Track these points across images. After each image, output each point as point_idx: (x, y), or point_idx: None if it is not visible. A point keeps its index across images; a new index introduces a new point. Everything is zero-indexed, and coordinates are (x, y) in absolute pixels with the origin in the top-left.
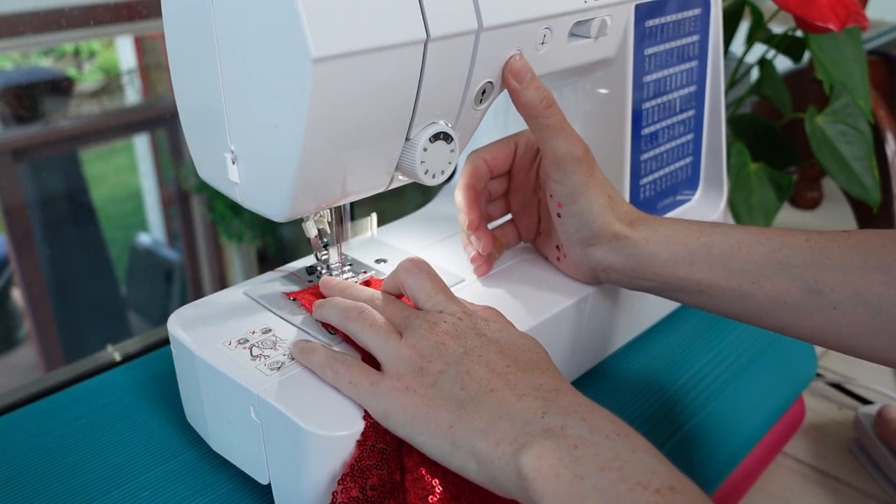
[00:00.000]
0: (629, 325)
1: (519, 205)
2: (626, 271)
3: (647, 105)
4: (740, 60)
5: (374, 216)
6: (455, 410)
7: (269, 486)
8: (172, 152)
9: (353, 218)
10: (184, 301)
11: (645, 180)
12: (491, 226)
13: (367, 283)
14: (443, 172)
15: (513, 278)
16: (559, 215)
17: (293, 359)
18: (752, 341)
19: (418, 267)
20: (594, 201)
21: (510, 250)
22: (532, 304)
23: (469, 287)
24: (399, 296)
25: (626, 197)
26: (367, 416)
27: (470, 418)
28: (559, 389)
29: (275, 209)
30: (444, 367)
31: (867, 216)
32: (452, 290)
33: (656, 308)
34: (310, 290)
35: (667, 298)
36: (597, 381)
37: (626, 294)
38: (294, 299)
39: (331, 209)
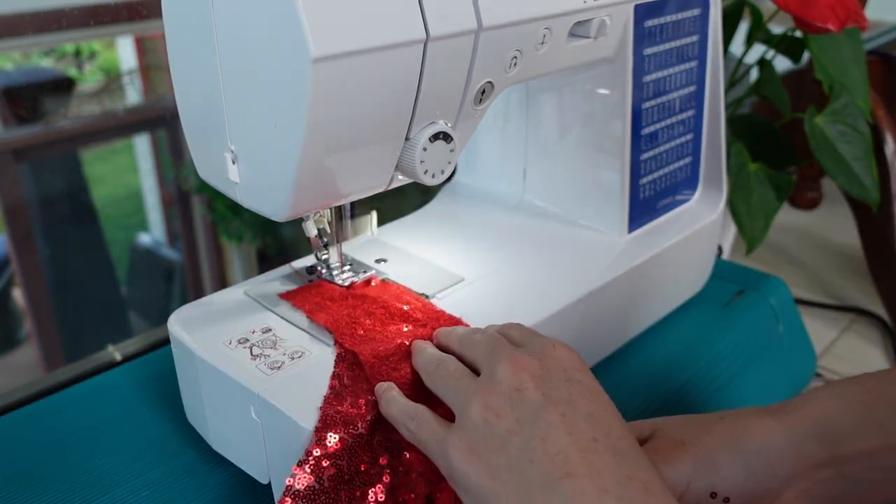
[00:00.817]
0: (628, 325)
1: None
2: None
3: (646, 105)
4: (740, 61)
5: (374, 214)
6: (521, 493)
7: (269, 486)
8: (173, 152)
9: (352, 217)
10: (184, 301)
11: (644, 180)
12: None
13: (367, 282)
14: (442, 172)
15: (512, 278)
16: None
17: (293, 359)
18: (751, 341)
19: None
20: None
21: (509, 248)
22: (531, 302)
23: (469, 287)
24: None
25: (626, 197)
26: (325, 401)
27: None
28: (650, 489)
29: (275, 209)
30: (514, 425)
31: (866, 216)
32: (451, 290)
33: (656, 308)
34: (303, 290)
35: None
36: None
37: (625, 295)
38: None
39: (330, 209)
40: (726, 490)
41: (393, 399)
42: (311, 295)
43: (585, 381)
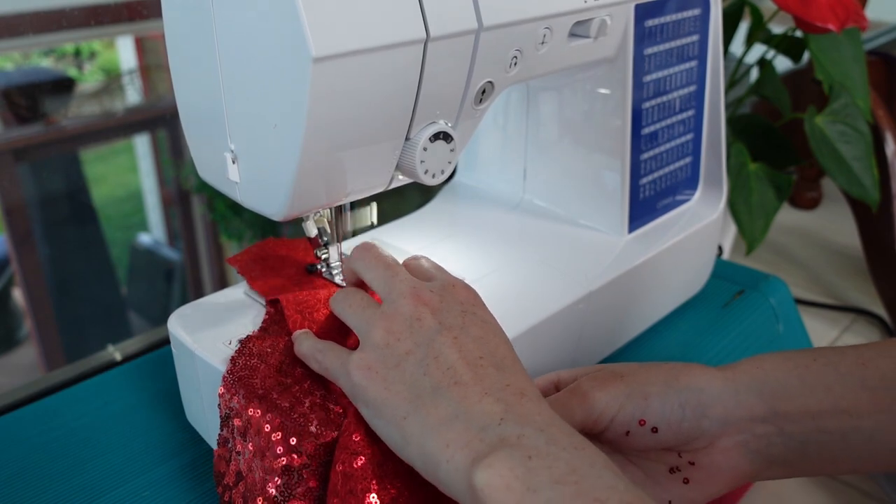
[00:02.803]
0: (628, 325)
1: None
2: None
3: (646, 105)
4: (740, 60)
5: (374, 205)
6: (412, 401)
7: None
8: (173, 152)
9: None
10: (184, 301)
11: (645, 180)
12: None
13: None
14: (442, 172)
15: (512, 278)
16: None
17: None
18: (751, 341)
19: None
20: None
21: (508, 248)
22: (530, 302)
23: None
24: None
25: (626, 197)
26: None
27: (426, 412)
28: (524, 393)
29: (275, 208)
30: (412, 347)
31: (866, 216)
32: None
33: (656, 308)
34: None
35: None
36: None
37: (625, 295)
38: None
39: (330, 208)
40: (656, 421)
41: (305, 337)
42: (263, 268)
43: (479, 314)
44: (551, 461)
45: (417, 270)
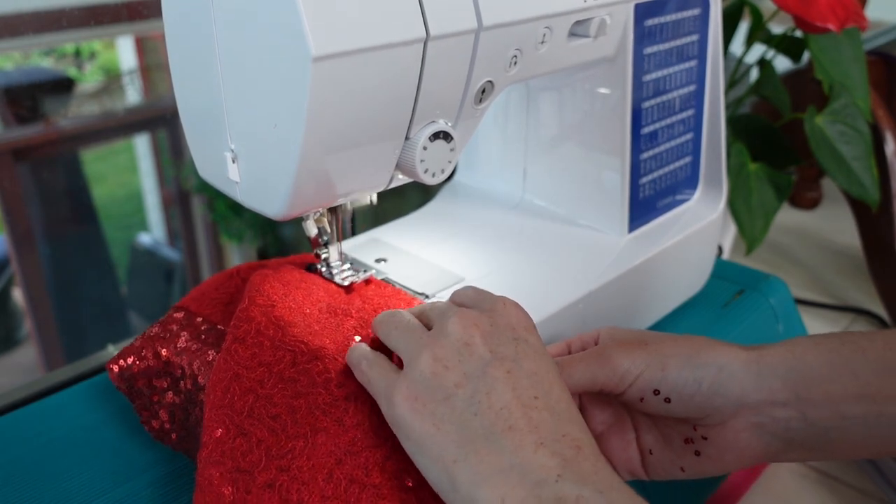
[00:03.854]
0: (628, 325)
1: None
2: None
3: (646, 104)
4: (740, 60)
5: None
6: (463, 444)
7: None
8: (173, 152)
9: (352, 218)
10: None
11: (644, 180)
12: None
13: (367, 281)
14: (442, 171)
15: (512, 278)
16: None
17: None
18: (752, 341)
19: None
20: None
21: (509, 249)
22: (530, 302)
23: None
24: None
25: (626, 197)
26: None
27: (478, 458)
28: (581, 446)
29: (275, 208)
30: (462, 378)
31: (866, 216)
32: (451, 290)
33: (656, 308)
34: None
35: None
36: None
37: (625, 295)
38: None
39: (330, 208)
40: (669, 392)
41: (358, 346)
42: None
43: (531, 341)
44: None
45: (464, 297)
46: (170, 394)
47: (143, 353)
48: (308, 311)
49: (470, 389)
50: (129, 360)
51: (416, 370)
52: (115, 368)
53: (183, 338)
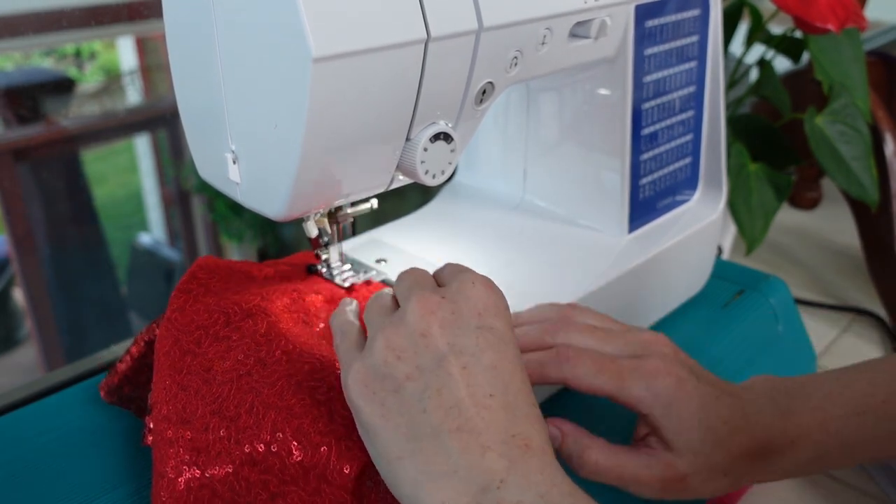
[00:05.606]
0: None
1: None
2: (769, 479)
3: (646, 105)
4: (739, 61)
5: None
6: (410, 440)
7: None
8: (173, 152)
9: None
10: None
11: (644, 180)
12: None
13: (367, 282)
14: (443, 172)
15: (512, 278)
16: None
17: None
18: (752, 341)
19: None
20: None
21: (509, 249)
22: (530, 303)
23: None
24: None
25: (626, 197)
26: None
27: (423, 458)
28: (530, 444)
29: (275, 209)
30: (413, 371)
31: (866, 216)
32: None
33: (656, 308)
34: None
35: None
36: None
37: (625, 295)
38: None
39: (331, 209)
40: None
41: (341, 312)
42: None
43: (497, 328)
44: None
45: (442, 273)
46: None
47: (121, 361)
48: (258, 284)
49: (421, 383)
50: (113, 374)
51: (370, 355)
52: (104, 388)
53: (151, 330)
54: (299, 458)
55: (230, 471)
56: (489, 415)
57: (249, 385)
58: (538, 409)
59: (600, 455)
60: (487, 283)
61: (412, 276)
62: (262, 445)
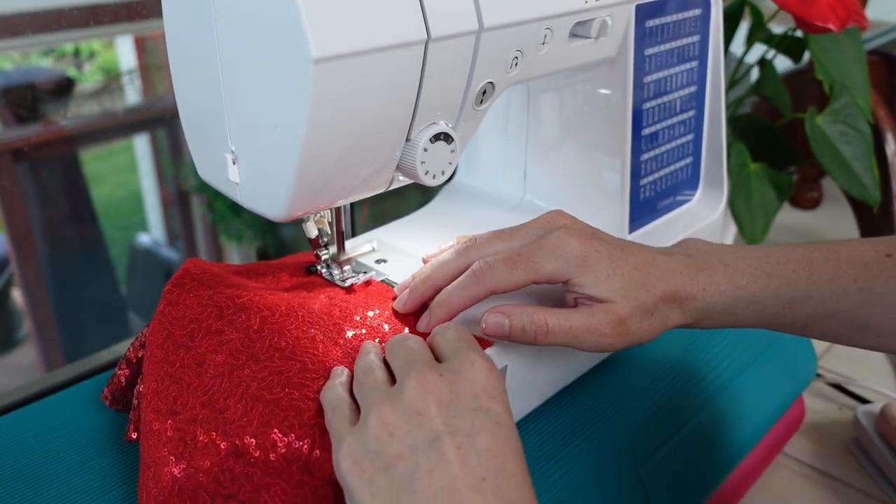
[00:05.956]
0: None
1: None
2: (688, 323)
3: (647, 105)
4: (740, 61)
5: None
6: None
7: None
8: (172, 152)
9: (353, 217)
10: None
11: (645, 180)
12: None
13: (367, 283)
14: (443, 173)
15: None
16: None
17: None
18: (752, 341)
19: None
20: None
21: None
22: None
23: None
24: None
25: (627, 197)
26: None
27: None
28: None
29: (275, 209)
30: (405, 450)
31: (867, 216)
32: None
33: None
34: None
35: None
36: (595, 384)
37: None
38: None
39: (331, 209)
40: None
41: (332, 387)
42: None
43: (494, 411)
44: None
45: (440, 344)
46: None
47: (119, 368)
48: (251, 282)
49: (412, 463)
50: (114, 382)
51: (363, 431)
52: (108, 396)
53: (144, 335)
54: (283, 451)
55: (216, 462)
56: (480, 498)
57: (240, 379)
58: (532, 494)
59: (548, 316)
60: (487, 364)
61: (408, 349)
62: (247, 438)
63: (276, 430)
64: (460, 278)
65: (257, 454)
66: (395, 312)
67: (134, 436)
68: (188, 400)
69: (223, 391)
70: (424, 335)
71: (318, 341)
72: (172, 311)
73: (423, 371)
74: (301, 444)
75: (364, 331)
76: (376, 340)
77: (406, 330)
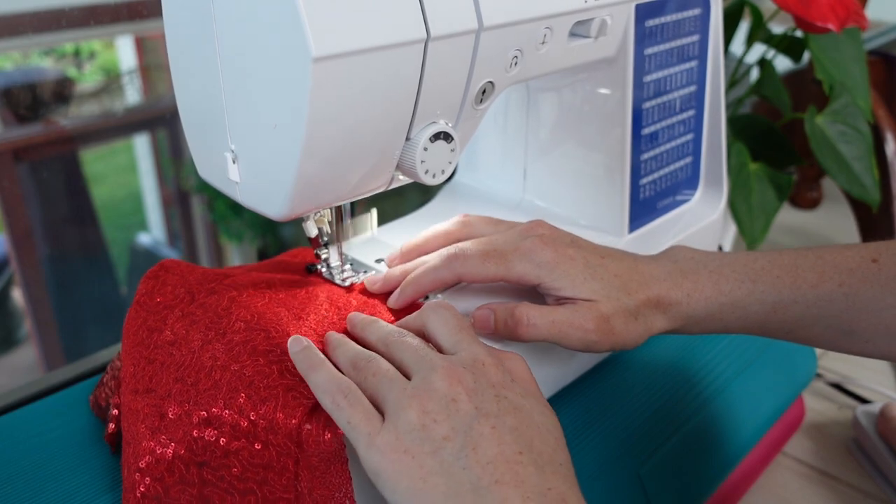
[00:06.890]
0: None
1: None
2: (673, 329)
3: (647, 105)
4: (740, 60)
5: (373, 212)
6: (451, 497)
7: None
8: (173, 152)
9: (353, 216)
10: None
11: (645, 180)
12: None
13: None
14: (443, 172)
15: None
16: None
17: None
18: (752, 341)
19: (443, 306)
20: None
21: None
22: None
23: (469, 287)
24: (422, 336)
25: (626, 197)
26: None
27: None
28: (566, 499)
29: (275, 208)
30: (450, 432)
31: (867, 216)
32: (450, 290)
33: None
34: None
35: None
36: (596, 384)
37: None
38: None
39: (331, 208)
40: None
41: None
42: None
43: (511, 398)
44: None
45: (438, 331)
46: None
47: (106, 374)
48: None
49: (458, 443)
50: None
51: (403, 423)
52: (95, 406)
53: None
54: (252, 417)
55: (188, 432)
56: (522, 469)
57: (210, 353)
58: (566, 467)
59: (532, 310)
60: (493, 357)
61: (413, 346)
62: (217, 407)
63: (242, 395)
64: (433, 261)
65: (227, 420)
66: (365, 290)
67: (112, 426)
68: (162, 378)
69: (194, 366)
70: (399, 313)
71: (282, 316)
72: (147, 300)
73: (445, 365)
74: (265, 404)
75: (330, 307)
76: (343, 315)
77: (377, 306)
